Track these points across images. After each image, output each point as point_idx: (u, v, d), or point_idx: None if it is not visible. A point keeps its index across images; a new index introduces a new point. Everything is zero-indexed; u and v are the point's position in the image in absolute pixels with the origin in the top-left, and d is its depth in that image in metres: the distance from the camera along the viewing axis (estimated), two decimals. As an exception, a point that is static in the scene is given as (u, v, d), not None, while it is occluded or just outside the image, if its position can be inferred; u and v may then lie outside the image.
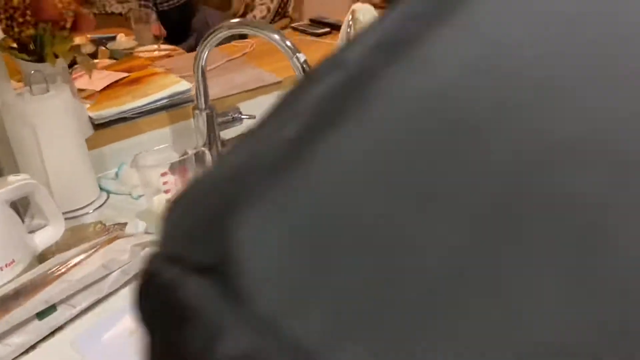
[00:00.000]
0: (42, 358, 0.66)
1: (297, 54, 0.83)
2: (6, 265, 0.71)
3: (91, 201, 0.94)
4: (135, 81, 1.19)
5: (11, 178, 0.74)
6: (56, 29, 0.86)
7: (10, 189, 0.72)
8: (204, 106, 1.02)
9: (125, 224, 0.86)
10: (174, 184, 0.85)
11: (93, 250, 0.74)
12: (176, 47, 1.87)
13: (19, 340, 0.65)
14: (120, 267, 0.74)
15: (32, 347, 0.67)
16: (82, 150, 0.92)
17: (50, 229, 0.80)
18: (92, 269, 0.70)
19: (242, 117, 1.08)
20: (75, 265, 0.71)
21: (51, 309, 0.68)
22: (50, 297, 0.67)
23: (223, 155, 0.19)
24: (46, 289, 0.67)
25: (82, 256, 0.73)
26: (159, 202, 0.85)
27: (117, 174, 1.00)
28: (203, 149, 0.93)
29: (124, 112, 1.07)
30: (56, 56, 0.88)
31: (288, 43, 0.84)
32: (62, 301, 0.68)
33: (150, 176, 0.83)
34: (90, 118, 1.03)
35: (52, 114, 0.86)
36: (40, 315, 0.67)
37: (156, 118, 1.10)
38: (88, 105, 1.09)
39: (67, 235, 0.86)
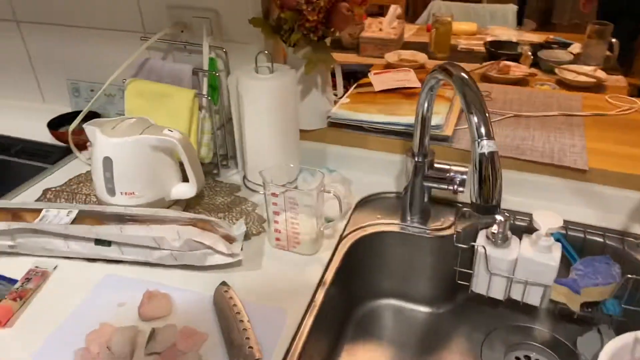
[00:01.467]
0: (74, 271, 0.80)
1: None
2: (125, 193, 0.85)
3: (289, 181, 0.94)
4: (411, 96, 1.09)
5: (165, 131, 0.85)
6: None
7: (152, 138, 0.84)
8: (417, 151, 0.86)
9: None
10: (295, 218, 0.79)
11: (174, 221, 0.80)
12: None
13: (76, 247, 0.80)
14: (170, 250, 0.77)
15: (80, 259, 0.81)
16: (281, 136, 0.94)
17: (186, 186, 0.89)
18: (143, 234, 0.77)
19: (458, 185, 0.85)
20: (146, 222, 0.79)
21: (106, 242, 0.79)
22: (109, 234, 0.78)
23: None
24: (112, 225, 0.79)
25: (161, 218, 0.80)
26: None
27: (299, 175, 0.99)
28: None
29: (360, 121, 1.02)
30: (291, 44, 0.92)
31: None
32: (117, 243, 0.79)
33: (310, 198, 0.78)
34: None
35: (261, 94, 0.90)
36: (98, 242, 0.79)
37: (389, 141, 1.00)
38: (342, 100, 1.08)
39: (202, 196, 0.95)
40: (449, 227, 0.92)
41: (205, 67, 0.99)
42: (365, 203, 0.98)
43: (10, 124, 1.24)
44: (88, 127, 0.89)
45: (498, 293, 0.88)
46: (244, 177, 1.02)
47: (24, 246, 0.81)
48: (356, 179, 1.02)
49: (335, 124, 1.04)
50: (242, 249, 0.79)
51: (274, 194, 0.79)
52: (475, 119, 0.63)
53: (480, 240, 0.85)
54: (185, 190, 0.89)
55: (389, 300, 0.99)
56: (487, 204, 0.62)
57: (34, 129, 1.18)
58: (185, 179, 0.90)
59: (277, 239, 0.83)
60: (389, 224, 0.93)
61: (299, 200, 0.79)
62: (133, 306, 0.72)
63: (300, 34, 0.90)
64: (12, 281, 0.77)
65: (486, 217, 0.86)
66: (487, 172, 0.62)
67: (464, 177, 0.86)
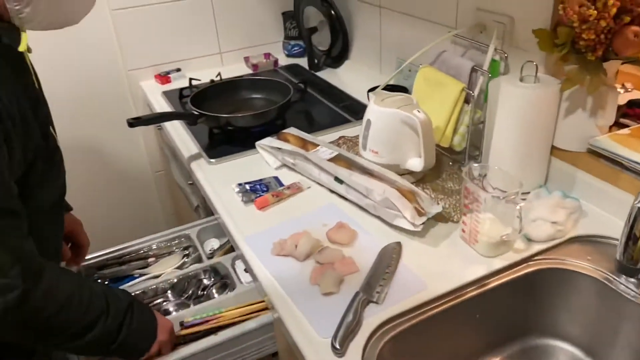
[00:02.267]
0: (317, 194, 1.07)
1: None
2: (372, 151, 1.05)
3: (513, 191, 0.95)
4: None
5: (415, 112, 0.99)
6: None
7: (402, 114, 1.00)
8: None
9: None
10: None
11: (389, 182, 0.96)
12: None
13: (324, 178, 1.06)
14: (373, 201, 0.95)
15: (325, 188, 1.06)
16: (526, 146, 0.96)
17: (417, 161, 1.03)
18: (361, 182, 0.97)
19: None
20: (371, 175, 0.98)
21: (340, 181, 1.02)
22: (343, 175, 1.01)
23: None
24: (347, 169, 1.01)
25: (383, 177, 0.98)
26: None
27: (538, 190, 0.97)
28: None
29: (622, 157, 0.91)
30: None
31: None
32: (346, 184, 1.01)
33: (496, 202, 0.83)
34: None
35: (516, 100, 0.94)
36: (336, 179, 1.04)
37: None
38: (621, 132, 0.97)
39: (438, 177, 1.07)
40: (672, 303, 0.77)
41: (486, 67, 1.07)
42: (585, 241, 0.90)
43: (356, 86, 1.61)
44: (371, 95, 1.13)
45: None
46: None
47: (298, 166, 1.14)
48: (593, 214, 0.94)
49: (595, 152, 0.96)
50: (423, 224, 0.90)
51: (466, 189, 0.85)
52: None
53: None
54: (415, 164, 1.04)
55: (570, 347, 0.91)
56: (631, 265, 0.55)
57: (364, 92, 1.51)
58: (424, 156, 1.05)
59: (463, 231, 0.90)
60: (595, 269, 0.84)
61: (489, 202, 0.83)
62: (330, 228, 0.95)
63: (567, 50, 0.88)
64: (281, 185, 1.11)
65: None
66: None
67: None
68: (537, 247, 0.89)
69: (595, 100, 0.95)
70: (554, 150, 1.00)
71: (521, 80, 0.95)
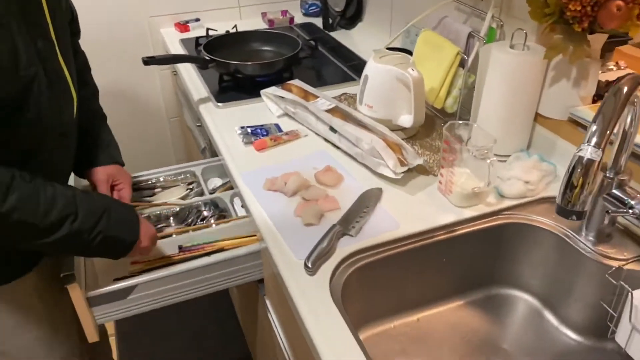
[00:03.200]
0: (311, 141, 1.15)
1: None
2: (367, 105, 1.12)
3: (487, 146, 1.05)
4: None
5: (409, 70, 1.05)
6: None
7: (397, 71, 1.06)
8: (610, 165, 0.83)
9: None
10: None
11: (377, 133, 1.04)
12: None
13: (319, 127, 1.14)
14: (361, 150, 1.02)
15: (320, 136, 1.14)
16: (511, 110, 1.02)
17: (408, 117, 1.10)
18: (352, 132, 1.04)
19: None
20: (363, 127, 1.06)
21: (334, 130, 1.10)
22: (336, 125, 1.09)
23: None
24: (340, 120, 1.08)
25: (372, 128, 1.05)
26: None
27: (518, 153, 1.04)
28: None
29: (598, 126, 0.97)
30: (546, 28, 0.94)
31: None
32: (339, 133, 1.08)
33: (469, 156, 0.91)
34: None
35: (504, 67, 0.99)
36: (330, 128, 1.11)
37: None
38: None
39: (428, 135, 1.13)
40: (621, 260, 0.85)
41: (482, 33, 1.13)
42: (553, 202, 0.96)
43: (365, 47, 1.66)
44: (372, 52, 1.19)
45: (637, 353, 0.79)
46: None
47: (298, 115, 1.21)
48: (566, 178, 1.00)
49: (575, 122, 1.02)
50: (404, 172, 0.98)
51: (445, 142, 0.93)
52: (594, 127, 0.62)
53: None
54: (405, 120, 1.11)
55: (529, 297, 0.99)
56: (567, 208, 0.63)
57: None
58: (414, 113, 1.11)
59: (440, 182, 0.97)
60: (557, 227, 0.92)
61: (464, 154, 0.90)
62: (318, 171, 1.03)
63: (554, 19, 0.93)
64: (280, 131, 1.19)
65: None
66: (577, 177, 0.62)
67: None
68: (507, 203, 0.96)
69: (579, 72, 1.00)
70: (538, 117, 1.07)
71: (511, 47, 1.01)
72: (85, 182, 1.09)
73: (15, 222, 0.73)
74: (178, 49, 1.72)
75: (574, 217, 0.63)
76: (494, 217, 0.94)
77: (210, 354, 1.77)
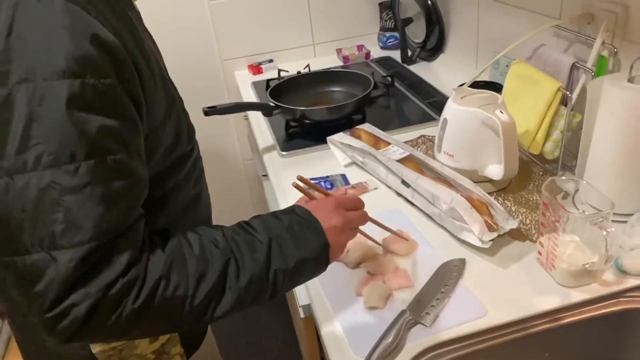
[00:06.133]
0: (382, 196, 1.00)
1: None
2: (447, 154, 0.96)
3: (603, 212, 0.80)
4: None
5: (497, 112, 0.87)
6: None
7: (482, 113, 0.89)
8: None
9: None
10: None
11: (460, 189, 0.87)
12: None
13: (391, 179, 0.99)
14: (439, 210, 0.86)
15: (392, 190, 0.99)
16: (632, 157, 0.81)
17: (497, 168, 0.91)
18: (427, 187, 0.88)
19: None
20: (441, 181, 0.89)
21: (407, 184, 0.94)
22: (409, 178, 0.93)
23: None
24: (414, 172, 0.93)
25: (453, 183, 0.88)
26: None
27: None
28: None
29: None
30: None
31: None
32: (413, 188, 0.93)
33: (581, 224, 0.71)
34: None
35: (623, 105, 0.79)
36: (403, 182, 0.96)
37: None
38: None
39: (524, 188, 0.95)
40: None
41: (590, 64, 0.92)
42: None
43: (448, 81, 1.50)
44: (452, 91, 1.02)
45: None
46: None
47: (367, 165, 1.07)
48: None
49: None
50: (492, 240, 0.79)
51: (544, 205, 0.73)
52: None
53: None
54: (494, 171, 0.93)
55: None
56: None
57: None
58: (505, 163, 0.93)
59: (539, 253, 0.78)
60: None
61: (571, 222, 0.71)
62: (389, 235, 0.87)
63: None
64: (347, 183, 1.05)
65: None
66: None
67: None
68: (631, 282, 0.74)
69: None
70: (669, 166, 0.84)
71: (630, 80, 0.80)
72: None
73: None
74: (249, 93, 1.66)
75: None
76: (614, 301, 0.73)
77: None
